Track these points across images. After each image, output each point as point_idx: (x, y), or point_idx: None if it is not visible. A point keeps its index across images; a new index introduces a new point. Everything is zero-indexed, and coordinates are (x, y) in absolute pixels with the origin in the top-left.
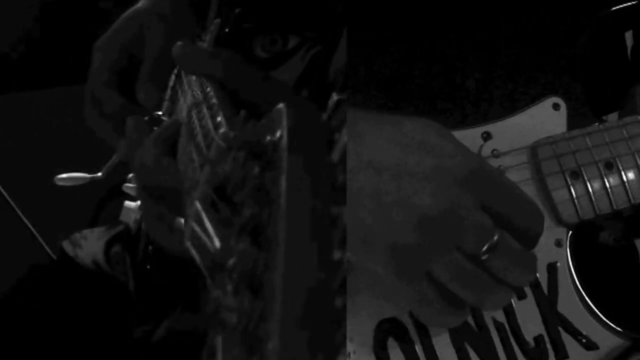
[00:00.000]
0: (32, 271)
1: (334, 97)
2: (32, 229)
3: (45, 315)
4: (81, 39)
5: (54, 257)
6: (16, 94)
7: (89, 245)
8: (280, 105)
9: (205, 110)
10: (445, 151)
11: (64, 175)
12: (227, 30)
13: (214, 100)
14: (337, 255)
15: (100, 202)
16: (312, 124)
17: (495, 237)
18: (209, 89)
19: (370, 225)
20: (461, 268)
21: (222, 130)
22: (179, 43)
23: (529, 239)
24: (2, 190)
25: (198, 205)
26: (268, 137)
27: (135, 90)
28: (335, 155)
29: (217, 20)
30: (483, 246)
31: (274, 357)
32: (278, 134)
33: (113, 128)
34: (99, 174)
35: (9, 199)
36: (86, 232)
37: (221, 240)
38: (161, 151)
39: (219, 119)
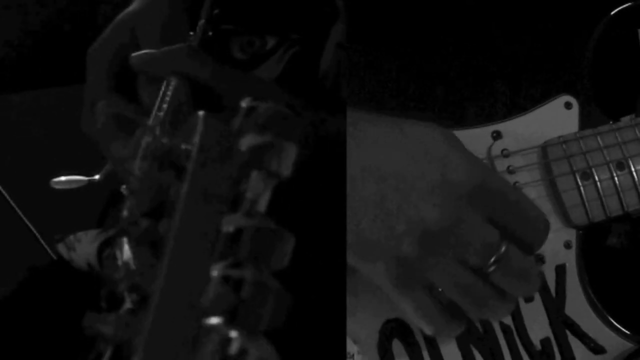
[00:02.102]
0: (30, 273)
1: (244, 103)
2: (33, 230)
3: (41, 317)
4: (81, 38)
5: (55, 258)
6: (16, 94)
7: (83, 247)
8: (200, 113)
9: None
10: (450, 161)
11: (60, 179)
12: (210, 33)
13: (165, 105)
14: (231, 272)
15: (105, 208)
16: (221, 134)
17: (502, 250)
18: (169, 92)
19: (371, 233)
20: (463, 281)
21: (148, 138)
22: (134, 54)
23: (529, 248)
24: (2, 191)
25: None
26: (183, 146)
27: (138, 92)
28: (235, 165)
29: (202, 22)
30: (488, 260)
31: None
32: (192, 142)
33: (112, 133)
34: (97, 176)
35: (9, 199)
36: (80, 234)
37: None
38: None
39: (156, 125)
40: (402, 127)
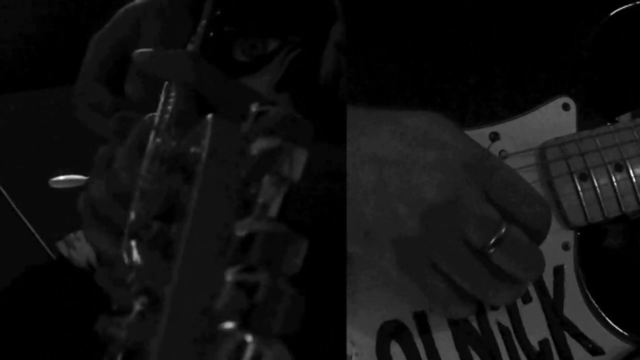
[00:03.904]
0: (29, 272)
1: (254, 108)
2: (32, 229)
3: (40, 315)
4: (81, 38)
5: (54, 257)
6: (16, 94)
7: (83, 246)
8: (209, 116)
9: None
10: (448, 143)
11: (59, 178)
12: (211, 34)
13: (169, 107)
14: (245, 277)
15: None
16: (232, 137)
17: (503, 230)
18: (172, 94)
19: (374, 219)
20: (465, 261)
21: (157, 140)
22: (139, 50)
23: (536, 234)
24: (2, 190)
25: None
26: (192, 149)
27: (124, 84)
28: (246, 169)
29: (203, 22)
30: (489, 239)
31: None
32: (202, 145)
33: (100, 120)
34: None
35: (9, 199)
36: (80, 233)
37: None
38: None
39: (162, 127)
40: (398, 117)
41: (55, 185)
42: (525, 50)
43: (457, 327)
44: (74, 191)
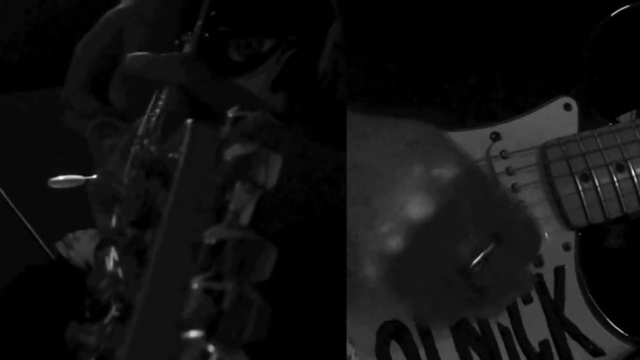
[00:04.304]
0: (28, 272)
1: (231, 113)
2: (31, 230)
3: (38, 315)
4: (79, 38)
5: (53, 257)
6: (16, 94)
7: (81, 246)
8: (188, 121)
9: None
10: (436, 159)
11: (58, 178)
12: (207, 35)
13: (157, 110)
14: (212, 285)
15: None
16: (209, 143)
17: (486, 251)
18: (162, 97)
19: (355, 237)
20: (448, 280)
21: (136, 146)
22: (131, 54)
23: (523, 256)
24: (2, 191)
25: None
26: (170, 155)
27: (109, 91)
28: (221, 175)
29: (199, 23)
30: (472, 261)
31: None
32: (179, 151)
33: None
34: (94, 176)
35: (8, 200)
36: (79, 233)
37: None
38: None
39: (143, 133)
40: (390, 125)
41: (54, 186)
42: (526, 50)
43: (457, 328)
44: (73, 191)
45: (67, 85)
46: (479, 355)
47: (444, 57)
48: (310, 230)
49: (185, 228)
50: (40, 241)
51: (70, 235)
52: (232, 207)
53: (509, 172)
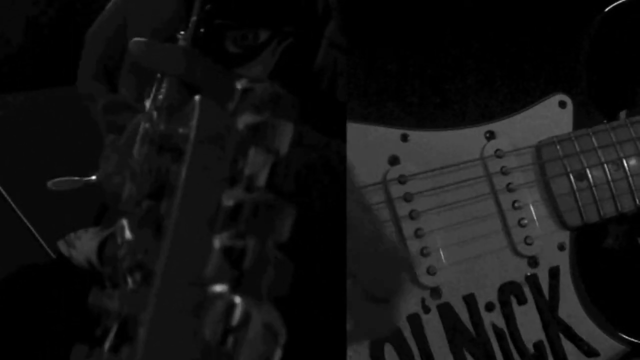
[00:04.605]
0: (29, 271)
1: (240, 85)
2: (32, 229)
3: (40, 314)
4: (81, 39)
5: (54, 256)
6: (16, 94)
7: (83, 245)
8: (196, 97)
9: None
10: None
11: (58, 180)
12: (202, 29)
13: (160, 96)
14: (234, 243)
15: (102, 206)
16: (218, 116)
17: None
18: (164, 85)
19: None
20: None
21: (146, 125)
22: (135, 39)
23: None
24: (2, 190)
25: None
26: (180, 130)
27: (119, 79)
28: (233, 144)
29: (194, 19)
30: None
31: (141, 347)
32: (189, 126)
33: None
34: (93, 177)
35: (9, 199)
36: (80, 232)
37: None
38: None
39: (155, 114)
40: None
41: (54, 187)
42: (521, 48)
43: (452, 329)
44: (73, 191)
45: (81, 77)
46: (474, 356)
47: (444, 57)
48: (309, 231)
49: (201, 194)
50: (41, 240)
51: (72, 234)
52: (247, 171)
53: (503, 171)
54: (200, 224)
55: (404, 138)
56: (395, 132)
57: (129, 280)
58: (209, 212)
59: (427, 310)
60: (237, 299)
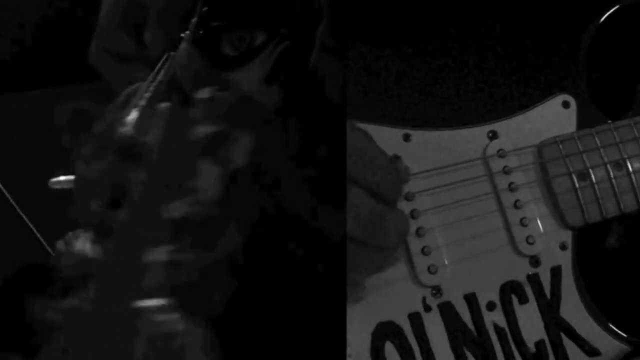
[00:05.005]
0: (28, 270)
1: (202, 94)
2: (33, 228)
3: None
4: (81, 39)
5: (54, 255)
6: (16, 94)
7: (80, 244)
8: (162, 105)
9: None
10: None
11: (59, 179)
12: (201, 32)
13: (147, 94)
14: (174, 257)
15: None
16: (181, 124)
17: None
18: (154, 83)
19: None
20: None
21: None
22: None
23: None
24: (3, 190)
25: None
26: (144, 137)
27: (144, 35)
28: (191, 154)
29: (194, 20)
30: None
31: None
32: (153, 134)
33: (120, 69)
34: None
35: (9, 198)
36: (79, 231)
37: None
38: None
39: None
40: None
41: (54, 186)
42: (524, 48)
43: (453, 328)
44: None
45: (103, 28)
46: (475, 355)
47: (444, 56)
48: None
49: (153, 204)
50: (42, 240)
51: (70, 233)
52: (198, 183)
53: (505, 171)
54: (147, 234)
55: (406, 138)
56: (397, 132)
57: (77, 288)
58: (157, 222)
59: (428, 309)
60: (169, 316)
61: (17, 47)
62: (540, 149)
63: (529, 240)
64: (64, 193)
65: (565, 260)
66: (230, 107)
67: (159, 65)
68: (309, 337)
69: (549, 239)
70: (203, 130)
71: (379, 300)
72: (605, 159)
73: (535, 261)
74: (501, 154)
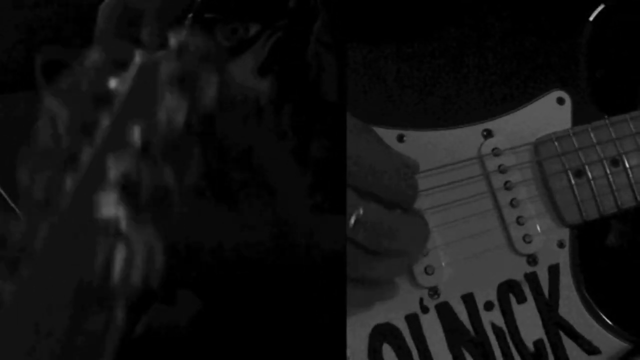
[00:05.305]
0: None
1: (173, 40)
2: None
3: None
4: (81, 39)
5: None
6: (16, 94)
7: None
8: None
9: None
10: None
11: None
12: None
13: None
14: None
15: None
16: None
17: (359, 211)
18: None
19: None
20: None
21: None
22: None
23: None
24: (1, 191)
25: None
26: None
27: (141, 32)
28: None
29: (191, 15)
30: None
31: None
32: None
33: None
34: None
35: (8, 200)
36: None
37: None
38: None
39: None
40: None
41: None
42: (517, 45)
43: (450, 329)
44: None
45: (101, 37)
46: (473, 356)
47: (435, 55)
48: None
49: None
50: None
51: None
52: (162, 115)
53: (501, 169)
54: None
55: (400, 138)
56: (392, 133)
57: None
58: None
59: (425, 310)
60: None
61: (18, 47)
62: (536, 146)
63: (526, 239)
64: None
65: (563, 258)
66: (202, 54)
67: None
68: (309, 337)
69: (546, 237)
70: (172, 65)
71: (376, 303)
72: (602, 155)
73: (532, 260)
74: (496, 152)
